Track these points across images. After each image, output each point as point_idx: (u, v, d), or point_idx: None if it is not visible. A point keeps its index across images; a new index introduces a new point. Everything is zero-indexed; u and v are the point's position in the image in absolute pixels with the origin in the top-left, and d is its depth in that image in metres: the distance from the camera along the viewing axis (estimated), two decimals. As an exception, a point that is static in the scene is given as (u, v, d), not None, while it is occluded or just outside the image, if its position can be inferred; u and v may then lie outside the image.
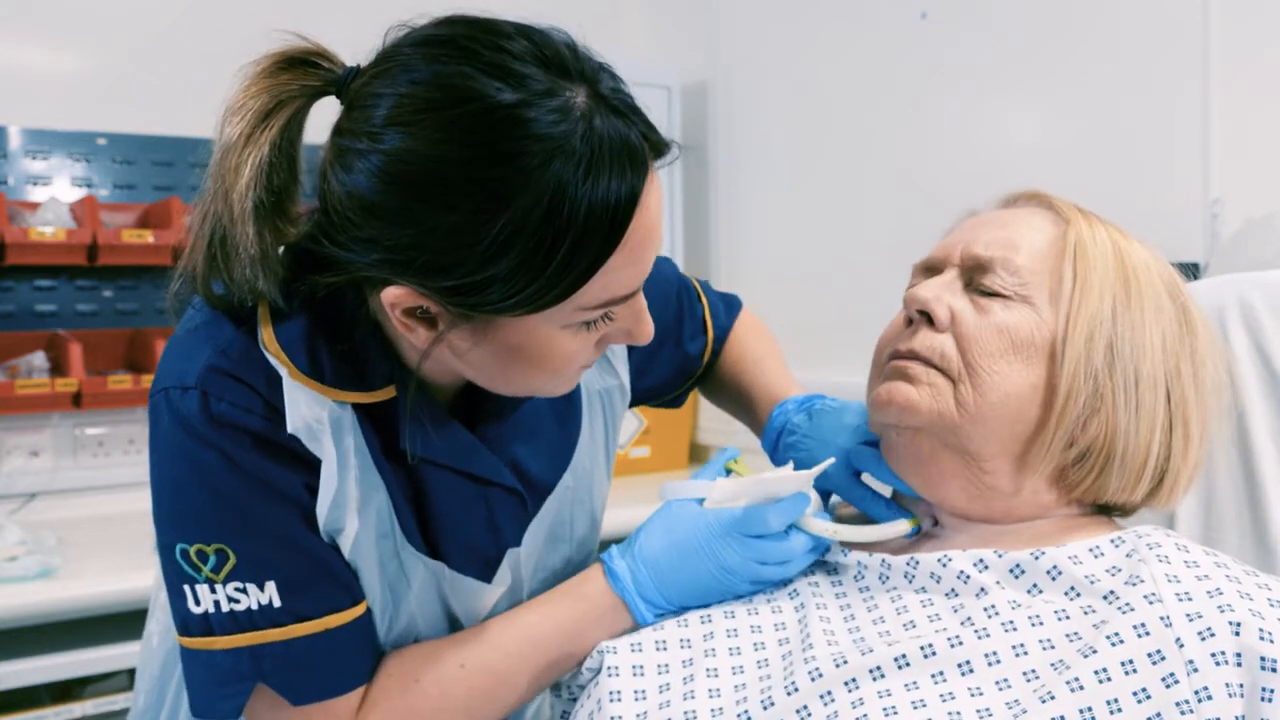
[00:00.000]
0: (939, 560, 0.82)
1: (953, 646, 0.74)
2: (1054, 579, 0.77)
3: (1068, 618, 0.74)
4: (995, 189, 0.96)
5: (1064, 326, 0.82)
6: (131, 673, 1.70)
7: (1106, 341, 0.82)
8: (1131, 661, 0.68)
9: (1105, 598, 0.74)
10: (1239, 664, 0.67)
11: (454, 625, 0.94)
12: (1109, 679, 0.68)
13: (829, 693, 0.74)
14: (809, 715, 0.73)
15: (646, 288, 0.81)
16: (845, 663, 0.75)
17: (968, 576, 0.80)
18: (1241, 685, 0.67)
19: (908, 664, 0.74)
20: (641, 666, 0.84)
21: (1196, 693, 0.67)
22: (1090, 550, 0.79)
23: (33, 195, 2.25)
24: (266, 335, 0.80)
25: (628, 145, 0.73)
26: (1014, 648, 0.73)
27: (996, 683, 0.71)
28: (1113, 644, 0.69)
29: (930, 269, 0.91)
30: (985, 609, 0.76)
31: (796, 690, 0.75)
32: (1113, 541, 0.80)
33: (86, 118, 2.31)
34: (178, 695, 1.03)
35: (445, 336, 0.78)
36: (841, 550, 0.90)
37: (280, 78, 0.78)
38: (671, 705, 0.80)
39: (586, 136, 0.71)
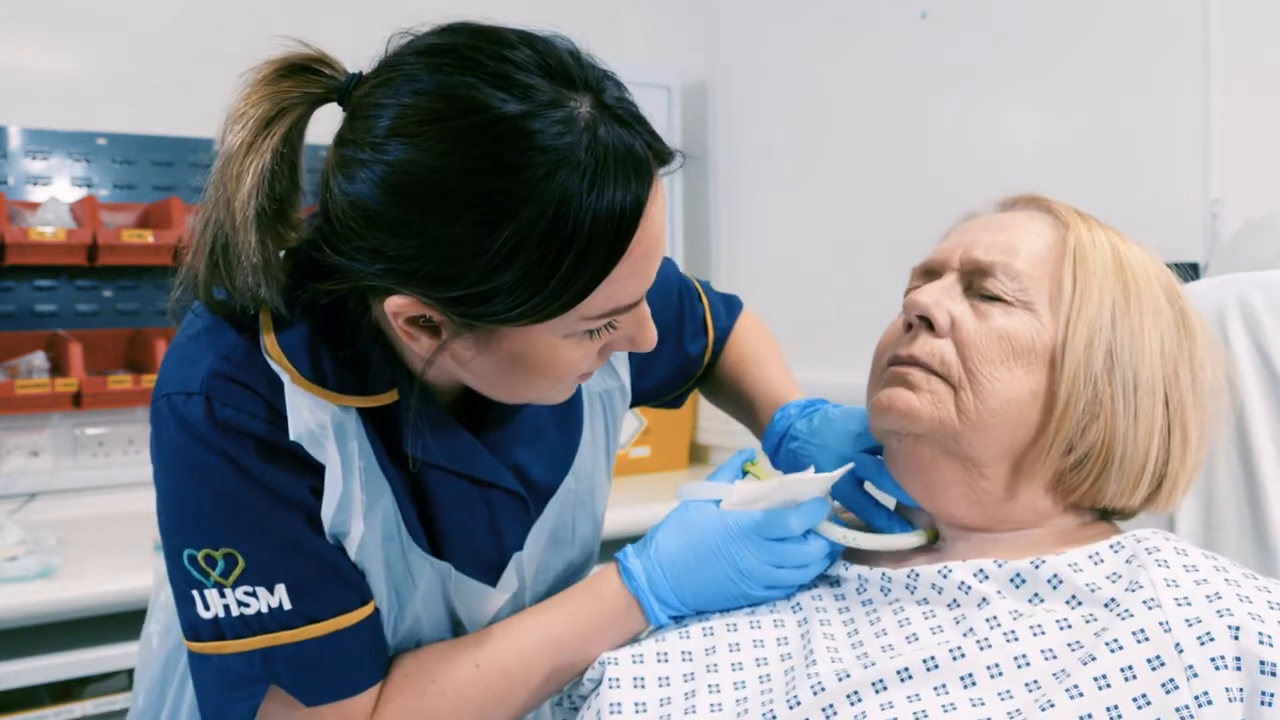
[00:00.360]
0: (939, 571, 0.82)
1: (955, 659, 0.74)
2: (1055, 587, 0.77)
3: (1069, 627, 0.74)
4: (995, 189, 0.96)
5: (1064, 332, 0.82)
6: (131, 673, 1.70)
7: (1106, 347, 0.82)
8: (1131, 668, 0.68)
9: (1106, 605, 0.74)
10: (1238, 668, 0.67)
11: (458, 629, 0.94)
12: (1109, 685, 0.68)
13: (831, 706, 0.74)
14: None
15: (647, 291, 0.81)
16: (848, 676, 0.75)
17: (969, 587, 0.80)
18: (1241, 690, 0.67)
19: (910, 677, 0.74)
20: (643, 678, 0.84)
21: (1196, 698, 0.67)
22: (1090, 557, 0.79)
23: (33, 195, 2.25)
24: (269, 341, 0.80)
25: (632, 155, 0.73)
26: (1016, 658, 0.73)
27: (999, 694, 0.71)
28: (1112, 650, 0.69)
29: (929, 272, 0.91)
30: (987, 619, 0.76)
31: (799, 704, 0.75)
32: (1112, 547, 0.80)
33: (86, 118, 2.31)
34: (178, 696, 1.03)
35: (448, 345, 0.78)
36: (843, 563, 0.90)
37: (282, 85, 0.78)
38: (672, 718, 0.80)
39: (591, 147, 0.71)
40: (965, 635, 0.76)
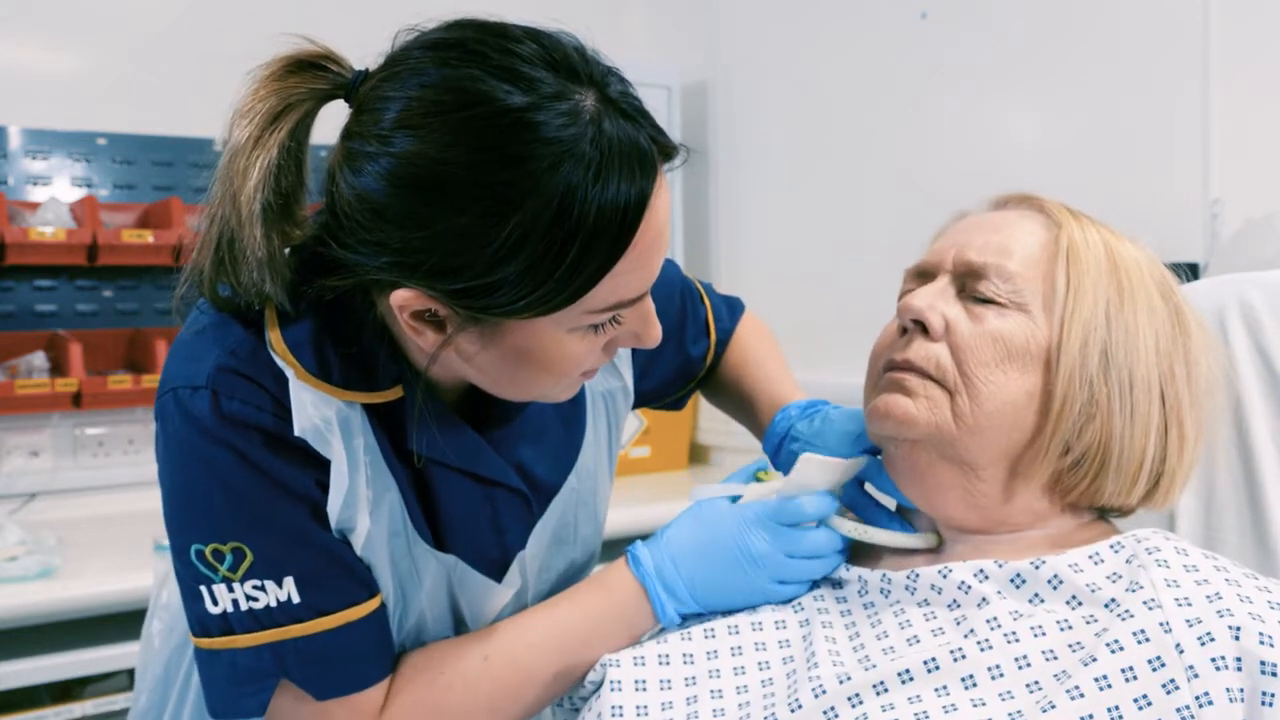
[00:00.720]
0: (939, 572, 0.82)
1: (956, 660, 0.74)
2: (1055, 588, 0.77)
3: (1070, 628, 0.74)
4: (995, 189, 0.96)
5: (1059, 333, 0.82)
6: (131, 673, 1.70)
7: (1101, 346, 0.82)
8: (1132, 668, 0.68)
9: (1107, 605, 0.74)
10: (1239, 668, 0.67)
11: (460, 627, 0.94)
12: (1109, 686, 0.68)
13: (832, 708, 0.74)
14: None
15: (650, 289, 0.81)
16: (849, 678, 0.75)
17: (969, 587, 0.80)
18: (1242, 690, 0.67)
19: (911, 678, 0.74)
20: (644, 681, 0.83)
21: (1197, 698, 0.67)
22: (1090, 557, 0.79)
23: (33, 195, 2.25)
24: (274, 337, 0.80)
25: (637, 148, 0.73)
26: (1017, 659, 0.73)
27: (1000, 695, 0.71)
28: (1113, 651, 0.69)
29: (922, 274, 0.90)
30: (988, 620, 0.76)
31: (800, 707, 0.75)
32: (1112, 547, 0.80)
33: (86, 118, 2.31)
34: (181, 696, 1.03)
35: (453, 339, 0.78)
36: (845, 565, 0.90)
37: (289, 81, 0.78)
38: None
39: (596, 140, 0.71)
40: (966, 636, 0.76)
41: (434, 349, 0.79)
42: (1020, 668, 0.72)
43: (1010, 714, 0.70)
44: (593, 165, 0.71)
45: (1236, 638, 0.68)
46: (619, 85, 0.76)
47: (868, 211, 2.44)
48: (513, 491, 0.93)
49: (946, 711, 0.71)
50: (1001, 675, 0.72)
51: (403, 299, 0.76)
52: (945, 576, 0.81)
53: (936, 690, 0.72)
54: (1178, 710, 0.66)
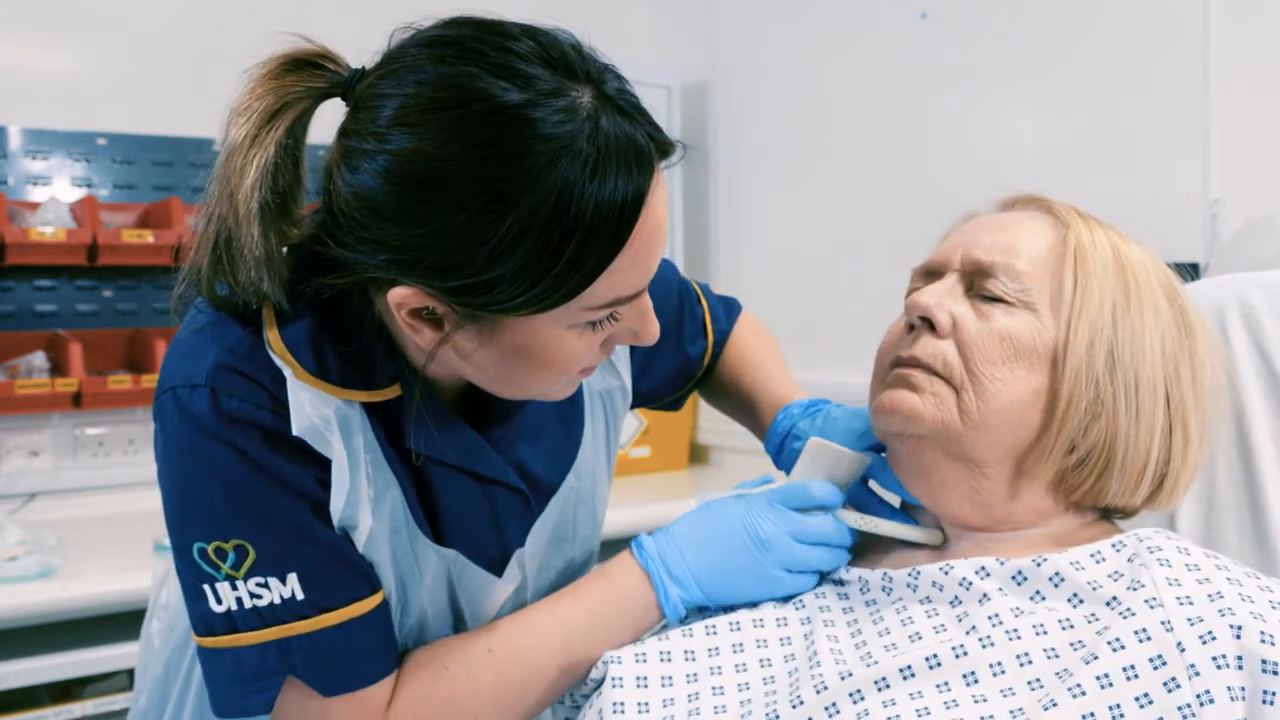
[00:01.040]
0: (941, 569, 0.82)
1: (957, 656, 0.74)
2: (1056, 585, 0.77)
3: (1072, 626, 0.74)
4: (996, 189, 0.96)
5: (1065, 332, 0.82)
6: (131, 673, 1.71)
7: (1107, 347, 0.82)
8: (1133, 667, 0.68)
9: (1108, 604, 0.74)
10: (1240, 667, 0.67)
11: (459, 625, 0.95)
12: (1111, 685, 0.68)
13: (834, 704, 0.74)
14: None
15: (648, 289, 0.81)
16: (851, 675, 0.75)
17: (970, 583, 0.80)
18: (1243, 688, 0.67)
19: (912, 675, 0.74)
20: (645, 678, 0.83)
21: (1198, 696, 0.67)
22: (1092, 555, 0.79)
23: (33, 195, 2.25)
24: (272, 336, 0.80)
25: (634, 145, 0.73)
26: (1018, 656, 0.73)
27: (1001, 691, 0.71)
28: (1114, 649, 0.69)
29: (930, 273, 0.91)
30: (989, 617, 0.76)
31: (802, 703, 0.75)
32: (1114, 546, 0.80)
33: (86, 118, 2.31)
34: (181, 696, 1.03)
35: (451, 337, 0.78)
36: (845, 566, 0.90)
37: (286, 79, 0.78)
38: (676, 719, 0.80)
39: (593, 136, 0.71)
40: (968, 633, 0.76)
41: (432, 347, 0.79)
42: (1022, 665, 0.72)
43: (1012, 711, 0.70)
44: (590, 162, 0.71)
45: (1238, 636, 0.68)
46: (616, 82, 0.76)
47: (868, 211, 2.44)
48: (511, 490, 0.93)
49: (948, 708, 0.71)
50: (1003, 672, 0.72)
51: (400, 297, 0.76)
52: (947, 573, 0.81)
53: (938, 687, 0.72)
54: (1179, 708, 0.66)
